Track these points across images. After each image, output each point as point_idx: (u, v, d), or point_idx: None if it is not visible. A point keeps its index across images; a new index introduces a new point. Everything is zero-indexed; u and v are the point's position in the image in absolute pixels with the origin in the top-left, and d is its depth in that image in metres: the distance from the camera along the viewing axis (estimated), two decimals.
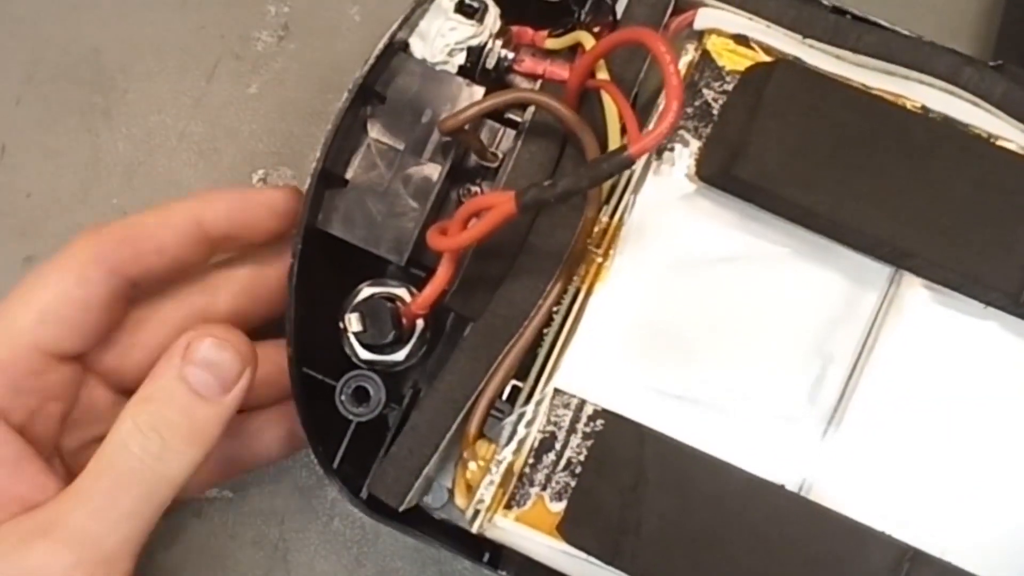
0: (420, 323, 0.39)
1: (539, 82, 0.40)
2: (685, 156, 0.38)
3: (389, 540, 0.50)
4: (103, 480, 0.36)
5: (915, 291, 0.37)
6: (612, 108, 0.37)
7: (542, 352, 0.38)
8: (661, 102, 0.38)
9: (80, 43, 0.51)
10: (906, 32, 0.38)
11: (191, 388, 0.37)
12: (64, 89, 0.51)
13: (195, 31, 0.51)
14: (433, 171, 0.39)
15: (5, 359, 0.37)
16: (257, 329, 0.42)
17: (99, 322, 0.39)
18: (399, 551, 0.49)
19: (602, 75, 0.37)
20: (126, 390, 0.41)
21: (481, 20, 0.39)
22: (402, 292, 0.39)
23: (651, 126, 0.37)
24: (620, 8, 0.40)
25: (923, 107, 0.37)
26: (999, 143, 0.37)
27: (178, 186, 0.50)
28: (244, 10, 0.51)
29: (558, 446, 0.37)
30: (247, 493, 0.49)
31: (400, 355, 0.39)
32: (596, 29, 0.40)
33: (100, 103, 0.51)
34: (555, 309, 0.38)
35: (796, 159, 0.36)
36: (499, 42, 0.40)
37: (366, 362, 0.39)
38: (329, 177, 0.39)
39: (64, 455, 0.41)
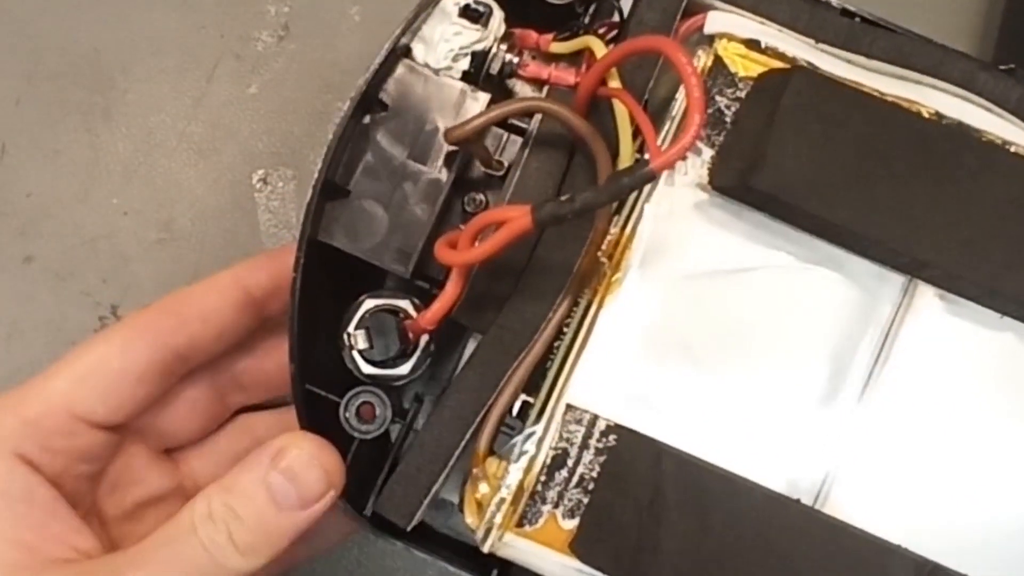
0: (425, 336, 0.38)
1: (545, 88, 0.39)
2: (697, 165, 0.37)
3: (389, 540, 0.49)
4: (163, 552, 0.36)
5: (929, 300, 0.37)
6: (624, 118, 0.36)
7: (553, 367, 0.37)
8: (674, 110, 0.37)
9: (80, 43, 0.51)
10: (920, 35, 0.38)
11: (271, 495, 0.36)
12: (64, 89, 0.51)
13: (195, 31, 0.51)
14: (438, 181, 0.38)
15: (36, 417, 0.37)
16: None
17: (137, 394, 0.39)
18: (399, 552, 0.49)
19: (614, 83, 0.36)
20: (166, 450, 0.42)
21: (486, 24, 0.38)
22: (405, 304, 0.38)
23: (670, 139, 0.37)
24: (624, 6, 0.40)
25: (937, 113, 0.37)
26: (1013, 149, 0.37)
27: (178, 186, 0.50)
28: (244, 10, 0.51)
29: (570, 463, 0.36)
30: None
31: (404, 369, 0.38)
32: (601, 30, 0.40)
33: (100, 103, 0.51)
34: (566, 322, 0.37)
35: (814, 170, 0.35)
36: (503, 46, 0.39)
37: (369, 376, 0.38)
38: (331, 187, 0.37)
39: (106, 521, 0.40)
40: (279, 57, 0.50)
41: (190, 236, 0.50)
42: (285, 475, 0.36)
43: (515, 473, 0.36)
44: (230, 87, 0.51)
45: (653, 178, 0.32)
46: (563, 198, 0.32)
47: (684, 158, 0.37)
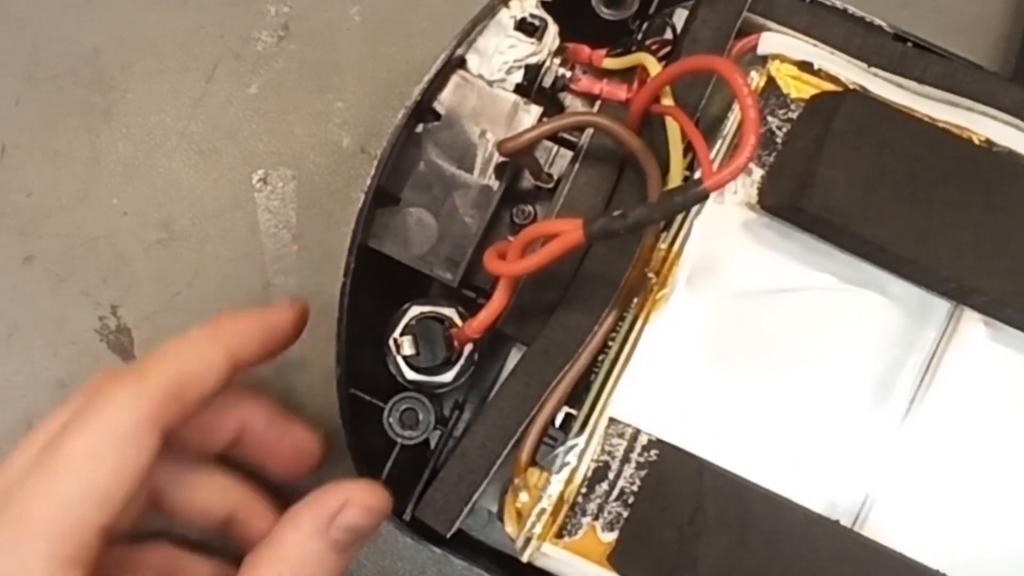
0: (469, 345, 0.39)
1: (597, 103, 0.39)
2: (747, 184, 0.38)
3: (389, 540, 0.49)
4: None
5: (974, 326, 0.37)
6: (676, 135, 0.36)
7: (597, 380, 0.37)
8: (725, 128, 0.37)
9: (80, 43, 0.51)
10: (972, 63, 0.38)
11: (335, 549, 0.36)
12: (64, 89, 0.51)
13: (195, 31, 0.51)
14: (488, 191, 0.38)
15: (59, 533, 0.35)
16: None
17: (145, 480, 0.37)
18: (399, 551, 0.49)
19: (667, 101, 0.36)
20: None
21: (540, 38, 0.38)
22: (450, 313, 0.38)
23: (721, 157, 0.37)
24: (677, 22, 0.40)
25: (988, 140, 0.37)
26: None
27: (178, 186, 0.50)
28: (244, 10, 0.51)
29: (611, 476, 0.37)
30: None
31: (448, 376, 0.39)
32: (654, 47, 0.40)
33: (100, 103, 0.50)
34: (610, 336, 0.37)
35: (863, 193, 0.35)
36: (556, 60, 0.39)
37: (412, 382, 0.39)
38: (382, 195, 0.38)
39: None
40: (279, 57, 0.50)
41: (190, 236, 0.50)
42: (345, 530, 0.36)
43: (556, 484, 0.36)
44: (230, 87, 0.50)
45: (706, 197, 0.32)
46: (615, 214, 0.33)
47: None
